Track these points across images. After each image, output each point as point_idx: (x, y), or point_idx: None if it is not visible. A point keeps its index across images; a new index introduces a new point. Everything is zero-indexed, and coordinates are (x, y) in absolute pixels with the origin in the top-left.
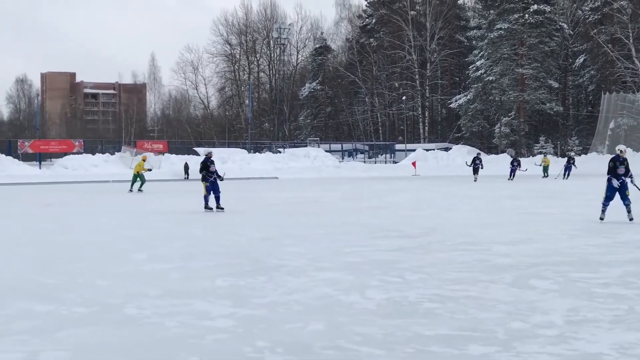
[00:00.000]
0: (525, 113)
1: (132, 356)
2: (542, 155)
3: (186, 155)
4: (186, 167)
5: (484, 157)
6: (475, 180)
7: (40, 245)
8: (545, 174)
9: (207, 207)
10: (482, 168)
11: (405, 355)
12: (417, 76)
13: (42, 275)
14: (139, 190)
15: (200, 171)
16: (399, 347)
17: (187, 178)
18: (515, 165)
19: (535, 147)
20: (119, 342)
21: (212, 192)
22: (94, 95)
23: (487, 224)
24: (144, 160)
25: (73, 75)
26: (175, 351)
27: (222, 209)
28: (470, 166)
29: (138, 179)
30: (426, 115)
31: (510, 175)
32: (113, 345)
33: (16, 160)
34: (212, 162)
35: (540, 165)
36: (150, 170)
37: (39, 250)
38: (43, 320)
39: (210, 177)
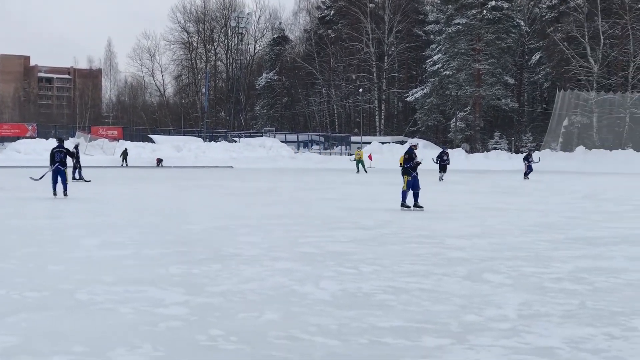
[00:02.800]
0: (481, 108)
1: (85, 342)
2: (357, 148)
3: (141, 142)
4: (125, 154)
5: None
6: (441, 179)
7: None
8: (358, 170)
9: (404, 204)
10: (449, 164)
11: (359, 347)
12: (374, 69)
13: None
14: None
15: (406, 162)
16: (353, 338)
17: (126, 165)
18: (530, 161)
19: (490, 143)
20: (71, 328)
21: (411, 188)
22: (49, 80)
23: (442, 217)
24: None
25: (27, 58)
26: (129, 337)
27: (422, 207)
28: (437, 162)
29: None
30: (382, 108)
31: (526, 175)
32: (65, 330)
33: None
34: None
35: (353, 161)
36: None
37: None
38: None
39: (413, 171)
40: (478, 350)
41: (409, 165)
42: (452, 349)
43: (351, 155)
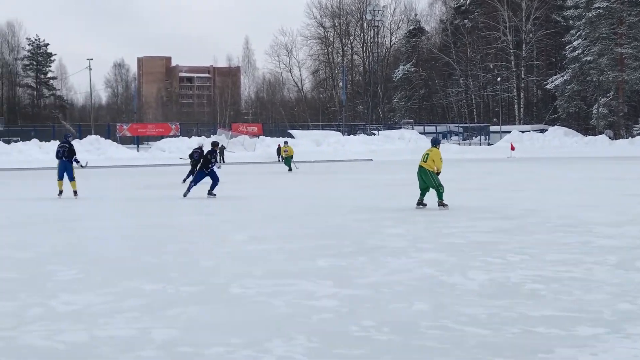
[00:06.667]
0: (624, 93)
1: (242, 334)
2: (284, 143)
3: (280, 137)
4: (279, 150)
5: (579, 139)
6: None
7: (143, 227)
8: (290, 168)
9: None
10: None
11: (511, 336)
12: (512, 57)
13: (149, 255)
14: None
15: None
16: (505, 327)
17: (281, 160)
18: None
19: (635, 128)
20: (228, 320)
21: None
22: (189, 79)
23: (588, 205)
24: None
25: (169, 59)
26: (284, 329)
27: None
28: None
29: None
30: (521, 96)
31: None
32: (223, 322)
33: (115, 143)
34: None
35: (280, 162)
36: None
37: (143, 232)
38: (152, 299)
39: None
40: (635, 339)
41: None
42: (608, 338)
43: (281, 157)
